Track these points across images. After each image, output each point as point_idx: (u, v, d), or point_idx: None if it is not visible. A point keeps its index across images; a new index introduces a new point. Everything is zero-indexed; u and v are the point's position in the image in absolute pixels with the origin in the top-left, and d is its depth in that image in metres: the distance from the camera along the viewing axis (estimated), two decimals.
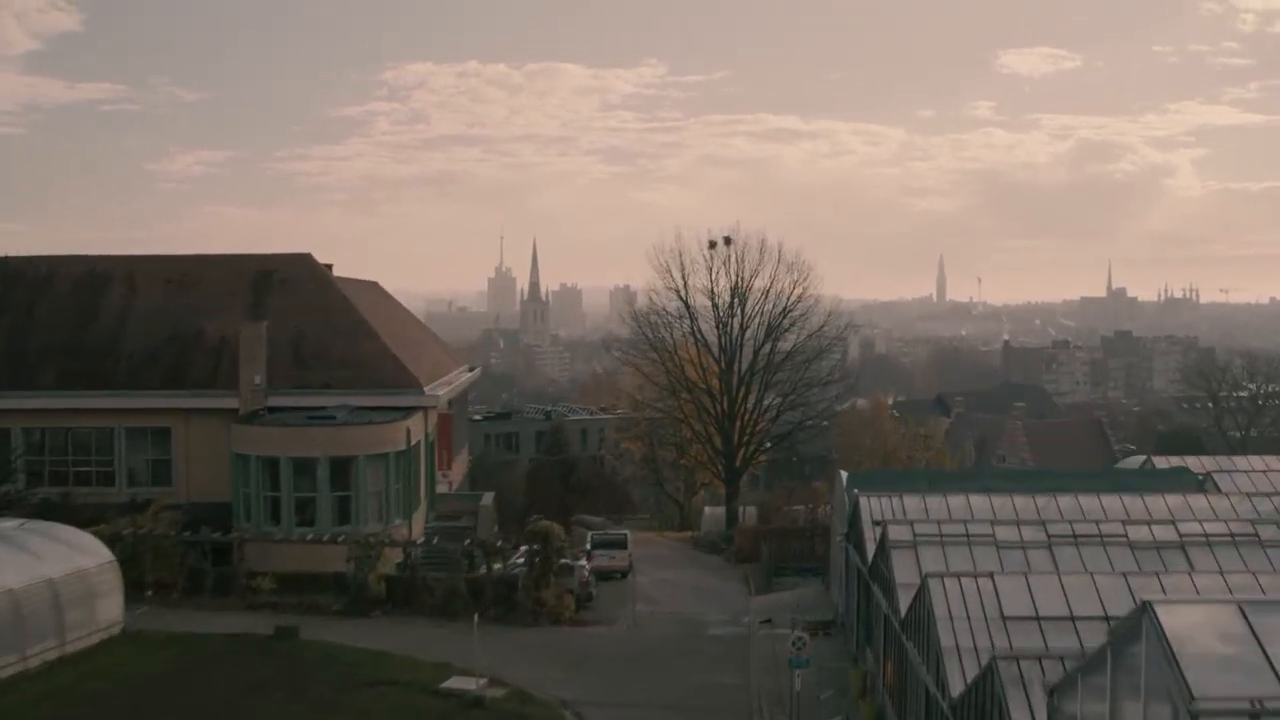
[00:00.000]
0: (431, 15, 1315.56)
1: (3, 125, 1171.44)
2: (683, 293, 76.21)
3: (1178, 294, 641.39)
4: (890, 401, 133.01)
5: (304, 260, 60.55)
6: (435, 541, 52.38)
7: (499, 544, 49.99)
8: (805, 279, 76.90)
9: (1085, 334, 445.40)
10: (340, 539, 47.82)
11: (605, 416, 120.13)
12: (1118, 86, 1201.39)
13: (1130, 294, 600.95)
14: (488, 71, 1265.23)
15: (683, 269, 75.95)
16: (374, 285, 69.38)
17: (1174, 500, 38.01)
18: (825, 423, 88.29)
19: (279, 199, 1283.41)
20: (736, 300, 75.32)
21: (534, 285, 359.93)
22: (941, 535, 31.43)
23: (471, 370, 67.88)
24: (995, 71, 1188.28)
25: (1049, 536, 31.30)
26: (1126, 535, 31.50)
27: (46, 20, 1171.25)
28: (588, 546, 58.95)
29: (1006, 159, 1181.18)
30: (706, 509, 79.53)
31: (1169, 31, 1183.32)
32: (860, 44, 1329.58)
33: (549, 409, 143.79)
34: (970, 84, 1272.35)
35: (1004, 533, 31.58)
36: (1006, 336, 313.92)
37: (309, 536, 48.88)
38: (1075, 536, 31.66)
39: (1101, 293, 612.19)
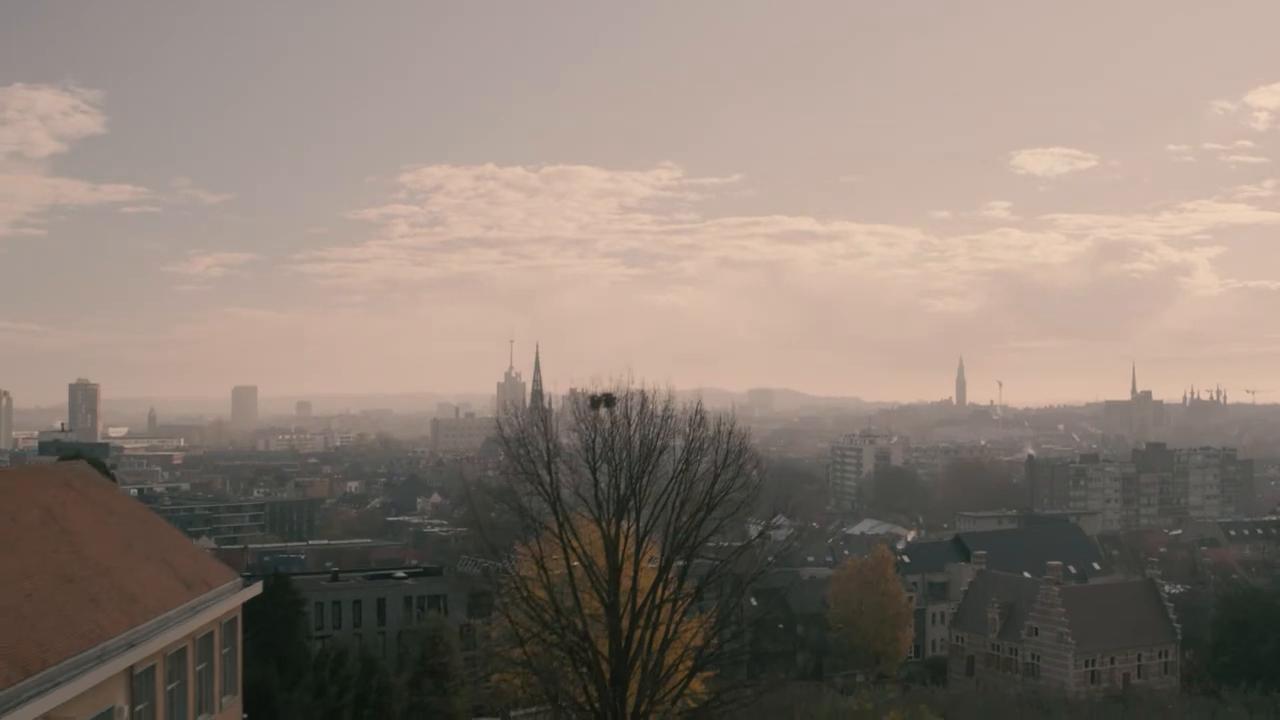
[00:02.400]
0: (448, 119, 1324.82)
1: (26, 226, 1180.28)
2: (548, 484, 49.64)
3: (1204, 396, 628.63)
4: (903, 542, 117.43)
5: None
6: None
7: None
8: (736, 450, 51.23)
9: (1112, 441, 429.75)
10: None
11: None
12: (1133, 186, 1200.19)
13: (1155, 396, 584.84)
14: (505, 174, 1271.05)
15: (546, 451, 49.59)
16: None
17: None
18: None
19: (297, 301, 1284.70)
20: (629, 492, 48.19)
21: (536, 393, 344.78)
22: None
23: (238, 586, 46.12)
24: (1010, 172, 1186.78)
25: None
26: None
27: (71, 123, 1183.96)
28: None
29: (1023, 259, 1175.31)
30: None
31: (1183, 131, 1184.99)
32: (875, 146, 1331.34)
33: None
34: (985, 184, 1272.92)
35: None
36: (1031, 450, 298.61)
37: None
38: None
39: (1124, 394, 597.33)
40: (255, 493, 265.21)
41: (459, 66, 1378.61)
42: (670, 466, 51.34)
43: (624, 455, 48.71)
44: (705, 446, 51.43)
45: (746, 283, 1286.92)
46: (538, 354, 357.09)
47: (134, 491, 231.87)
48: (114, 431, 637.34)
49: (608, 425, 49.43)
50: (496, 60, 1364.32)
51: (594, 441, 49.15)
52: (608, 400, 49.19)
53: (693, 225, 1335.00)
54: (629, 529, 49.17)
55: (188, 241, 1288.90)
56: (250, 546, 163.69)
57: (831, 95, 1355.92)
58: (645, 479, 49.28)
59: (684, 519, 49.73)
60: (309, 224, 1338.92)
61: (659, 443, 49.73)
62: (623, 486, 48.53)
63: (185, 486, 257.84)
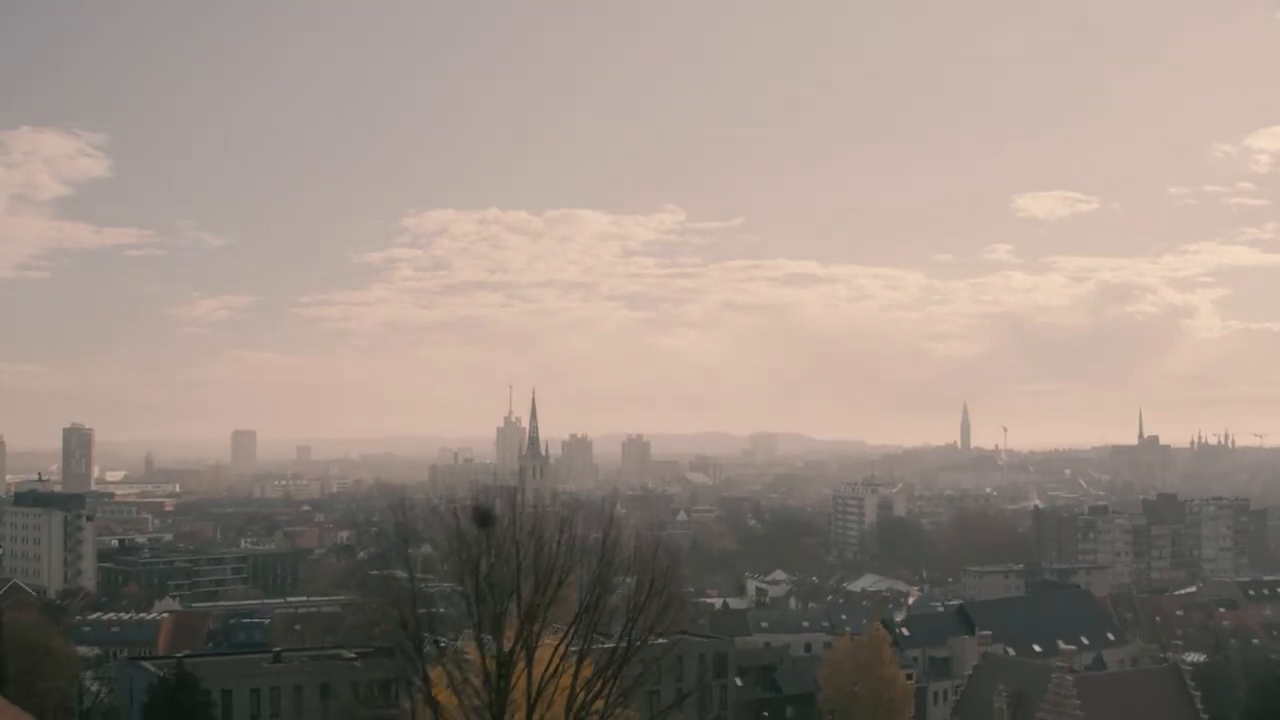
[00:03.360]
0: (451, 163, 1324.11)
1: (29, 269, 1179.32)
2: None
3: (1211, 440, 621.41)
4: (903, 612, 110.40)
5: None
6: None
7: None
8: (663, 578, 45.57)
9: (1120, 489, 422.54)
10: None
11: None
12: (1135, 228, 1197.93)
13: (1160, 439, 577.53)
14: (508, 218, 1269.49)
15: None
16: None
17: None
18: None
19: (301, 344, 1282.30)
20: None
21: (533, 439, 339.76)
22: None
23: None
24: (1012, 215, 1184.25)
25: None
26: None
27: (76, 166, 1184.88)
28: None
29: (1026, 302, 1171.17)
30: None
31: (1184, 173, 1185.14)
32: (877, 189, 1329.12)
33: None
34: (987, 227, 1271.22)
35: None
36: (1038, 501, 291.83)
37: None
38: None
39: (1130, 437, 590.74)
40: (243, 542, 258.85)
41: (462, 110, 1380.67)
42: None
43: (514, 583, 41.89)
44: (621, 570, 44.33)
45: (750, 326, 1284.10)
46: (534, 401, 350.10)
47: (115, 543, 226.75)
48: (111, 476, 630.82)
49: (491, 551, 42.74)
50: (499, 104, 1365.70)
51: (477, 566, 42.55)
52: (483, 520, 42.95)
53: (696, 269, 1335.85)
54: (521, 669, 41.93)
55: (192, 284, 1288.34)
56: (220, 604, 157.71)
57: (833, 139, 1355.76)
58: (542, 617, 42.14)
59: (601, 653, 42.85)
60: (313, 267, 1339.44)
61: (555, 576, 43.15)
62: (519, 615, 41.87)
63: (168, 537, 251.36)
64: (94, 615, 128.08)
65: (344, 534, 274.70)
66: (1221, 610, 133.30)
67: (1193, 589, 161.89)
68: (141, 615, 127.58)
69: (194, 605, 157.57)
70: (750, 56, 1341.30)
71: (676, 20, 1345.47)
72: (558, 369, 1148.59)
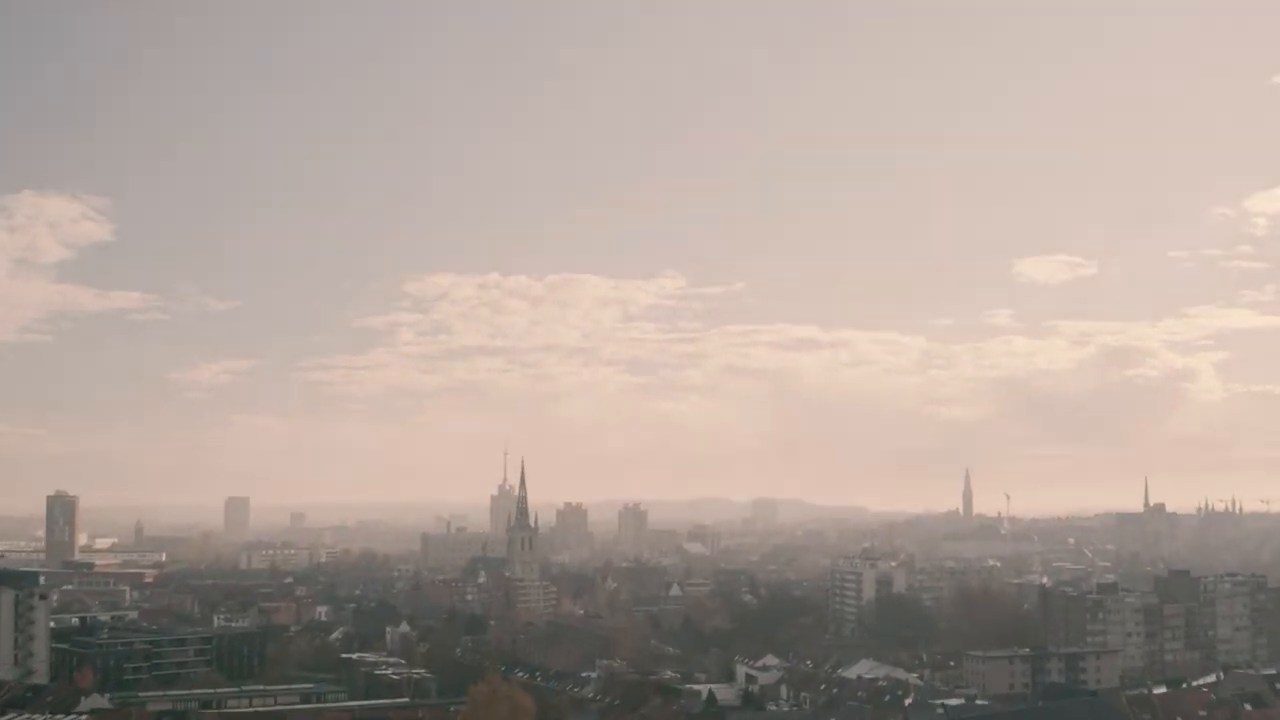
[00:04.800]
0: (452, 228, 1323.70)
1: (31, 332, 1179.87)
2: None
3: (1218, 507, 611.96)
4: (900, 715, 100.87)
5: None
6: None
7: None
8: None
9: (1126, 560, 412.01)
10: None
11: None
12: (1135, 292, 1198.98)
13: (1163, 502, 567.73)
14: (509, 283, 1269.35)
15: None
16: None
17: None
18: None
19: (302, 409, 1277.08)
20: None
21: (522, 510, 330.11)
22: None
23: None
24: (1012, 279, 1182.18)
25: None
26: None
27: (79, 230, 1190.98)
28: None
29: (1027, 366, 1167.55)
30: None
31: (1183, 237, 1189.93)
32: (877, 254, 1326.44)
33: None
34: (988, 292, 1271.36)
35: None
36: (1044, 579, 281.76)
37: None
38: None
39: (1133, 501, 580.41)
40: (215, 619, 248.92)
41: (462, 176, 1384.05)
42: None
43: None
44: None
45: (751, 391, 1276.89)
46: (523, 470, 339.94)
47: (74, 620, 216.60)
48: (101, 543, 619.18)
49: None
50: (499, 170, 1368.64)
51: None
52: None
53: (696, 333, 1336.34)
54: None
55: (194, 348, 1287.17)
56: (170, 693, 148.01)
57: (833, 204, 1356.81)
58: None
59: None
60: (315, 331, 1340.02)
61: None
62: None
63: (134, 614, 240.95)
64: (7, 717, 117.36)
65: (322, 609, 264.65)
66: (1248, 708, 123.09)
67: (1212, 678, 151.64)
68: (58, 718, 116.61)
69: (141, 694, 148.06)
70: (748, 122, 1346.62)
71: (674, 88, 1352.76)
72: (558, 434, 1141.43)
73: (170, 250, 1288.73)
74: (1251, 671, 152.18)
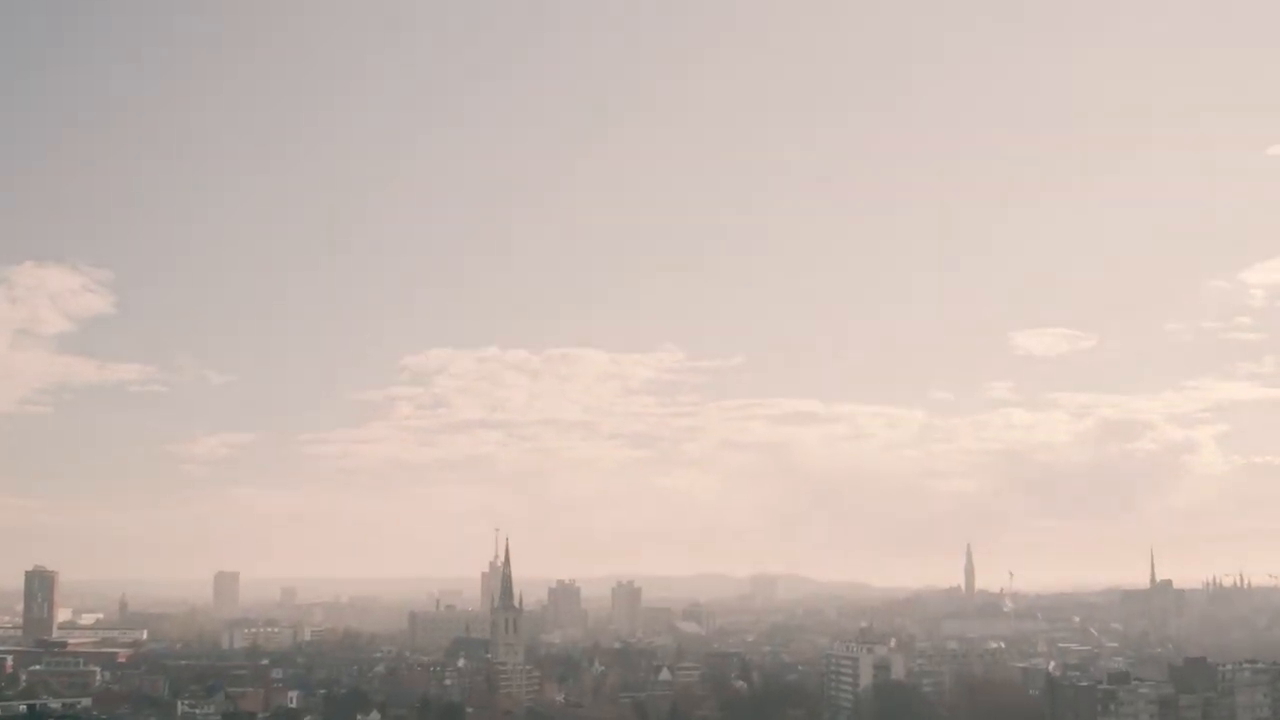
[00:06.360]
0: (451, 302, 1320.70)
1: (31, 404, 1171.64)
2: None
3: (1226, 581, 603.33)
4: None
5: None
6: None
7: None
8: None
9: (1135, 640, 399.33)
10: None
11: None
12: (1134, 365, 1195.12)
13: (1168, 576, 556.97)
14: (508, 357, 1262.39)
15: None
16: None
17: None
18: None
19: (300, 482, 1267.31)
20: None
21: (506, 590, 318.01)
22: None
23: None
24: (1010, 352, 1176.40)
25: None
26: None
27: (80, 302, 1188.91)
28: None
29: (1027, 439, 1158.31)
30: None
31: (1180, 309, 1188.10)
32: (874, 328, 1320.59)
33: None
34: (986, 365, 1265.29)
35: None
36: (1051, 666, 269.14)
37: None
38: None
39: (1136, 575, 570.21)
40: (180, 705, 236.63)
41: (461, 250, 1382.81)
42: None
43: None
44: None
45: (749, 464, 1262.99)
46: (507, 548, 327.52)
47: (22, 707, 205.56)
48: (85, 619, 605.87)
49: None
50: (497, 244, 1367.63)
51: None
52: None
53: (695, 407, 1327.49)
54: None
55: (193, 421, 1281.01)
56: None
57: (831, 277, 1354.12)
58: None
59: None
60: (313, 405, 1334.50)
61: None
62: None
63: (85, 702, 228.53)
64: None
65: (293, 694, 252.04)
66: None
67: None
68: None
69: None
70: (745, 195, 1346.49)
71: (671, 162, 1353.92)
72: (556, 508, 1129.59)
73: (170, 323, 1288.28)
74: None
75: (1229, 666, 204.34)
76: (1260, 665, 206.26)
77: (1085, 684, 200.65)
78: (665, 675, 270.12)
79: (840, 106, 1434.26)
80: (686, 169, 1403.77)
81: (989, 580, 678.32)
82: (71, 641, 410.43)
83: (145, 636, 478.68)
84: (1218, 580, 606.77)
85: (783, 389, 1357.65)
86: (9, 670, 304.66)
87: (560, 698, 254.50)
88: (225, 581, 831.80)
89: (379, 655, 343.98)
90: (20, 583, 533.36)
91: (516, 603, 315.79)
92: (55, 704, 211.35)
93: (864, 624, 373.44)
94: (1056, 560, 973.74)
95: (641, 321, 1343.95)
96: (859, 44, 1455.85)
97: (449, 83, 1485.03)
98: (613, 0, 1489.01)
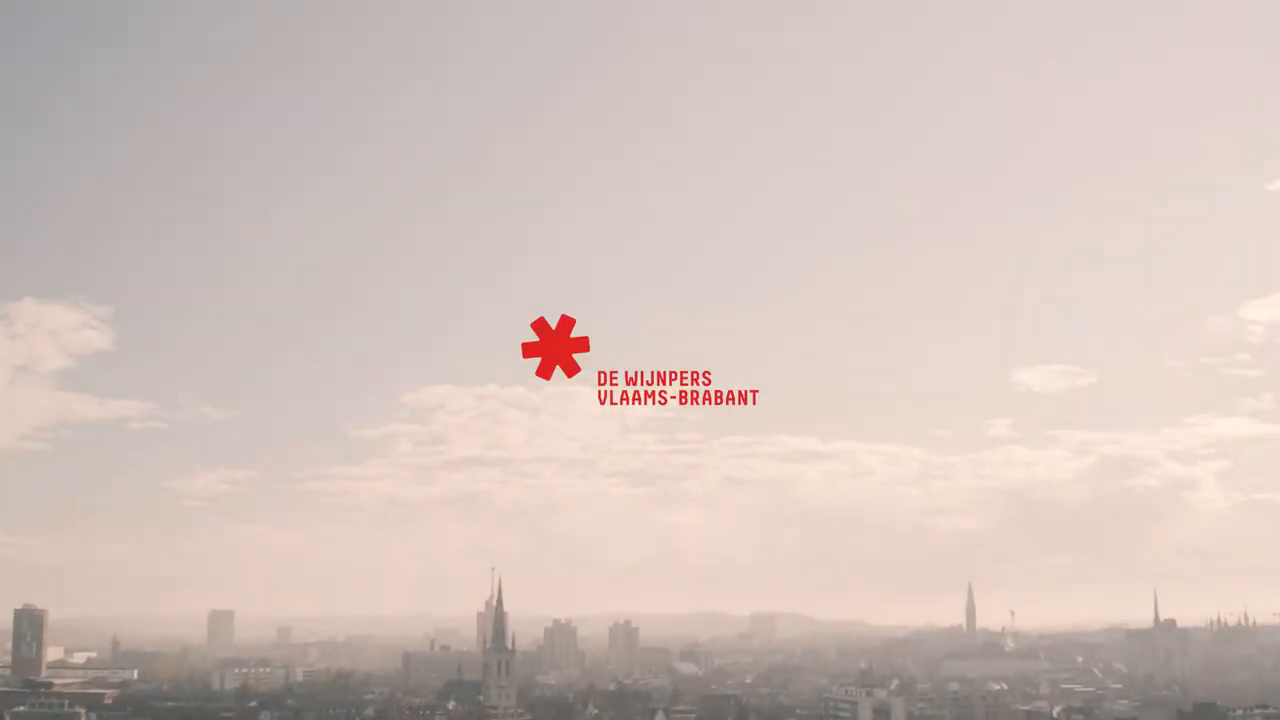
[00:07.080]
0: (450, 339, 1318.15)
1: (30, 441, 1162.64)
2: None
3: (1230, 620, 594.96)
4: None
5: None
6: None
7: None
8: None
9: (1140, 682, 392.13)
10: None
11: None
12: (1134, 401, 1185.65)
13: (1171, 614, 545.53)
14: (507, 394, 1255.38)
15: None
16: None
17: None
18: None
19: (299, 519, 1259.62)
20: None
21: (499, 631, 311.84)
22: None
23: None
24: (1010, 389, 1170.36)
25: None
26: None
27: (80, 339, 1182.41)
28: None
29: (1028, 476, 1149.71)
30: None
31: (1179, 345, 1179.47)
32: (875, 365, 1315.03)
33: None
34: (986, 402, 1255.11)
35: None
36: (1057, 711, 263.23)
37: None
38: None
39: (1139, 613, 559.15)
40: None
41: (461, 286, 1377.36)
42: None
43: None
44: None
45: (750, 502, 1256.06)
46: (500, 587, 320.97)
47: None
48: (77, 658, 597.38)
49: None
50: (496, 281, 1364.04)
51: None
52: None
53: (695, 444, 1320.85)
54: None
55: (192, 457, 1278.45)
56: None
57: (830, 315, 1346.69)
58: None
59: None
60: (312, 441, 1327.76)
61: None
62: None
63: None
64: None
65: None
66: None
67: None
68: None
69: None
70: (745, 237, 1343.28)
71: (669, 199, 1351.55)
72: (556, 546, 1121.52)
73: (170, 359, 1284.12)
74: None
75: (1239, 712, 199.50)
76: (1271, 710, 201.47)
77: None
78: (660, 719, 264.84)
79: (840, 146, 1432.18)
80: (686, 209, 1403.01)
81: (990, 619, 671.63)
82: (59, 682, 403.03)
83: (136, 676, 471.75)
84: (1222, 619, 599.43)
85: (783, 426, 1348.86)
86: None
87: None
88: (220, 620, 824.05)
89: (369, 697, 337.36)
90: (7, 621, 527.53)
91: (509, 644, 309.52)
92: None
93: (864, 665, 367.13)
94: (1058, 598, 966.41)
95: (642, 359, 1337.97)
96: (866, 83, 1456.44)
97: (449, 118, 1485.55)
98: (625, 37, 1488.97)
